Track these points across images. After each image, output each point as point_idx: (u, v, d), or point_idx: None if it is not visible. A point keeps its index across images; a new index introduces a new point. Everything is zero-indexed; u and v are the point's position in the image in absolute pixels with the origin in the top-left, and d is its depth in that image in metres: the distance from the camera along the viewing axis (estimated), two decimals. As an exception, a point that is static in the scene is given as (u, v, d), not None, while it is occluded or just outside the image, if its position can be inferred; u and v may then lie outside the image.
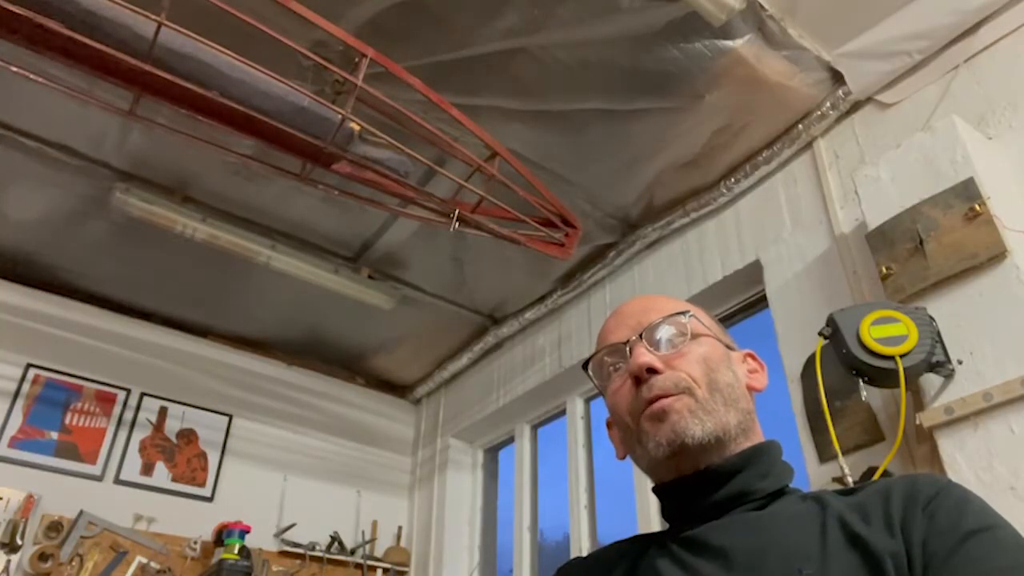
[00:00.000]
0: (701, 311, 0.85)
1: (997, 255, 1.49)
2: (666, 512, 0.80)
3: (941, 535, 0.60)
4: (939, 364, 1.49)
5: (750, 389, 0.81)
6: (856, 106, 2.18)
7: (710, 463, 0.74)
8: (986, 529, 0.60)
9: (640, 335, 0.78)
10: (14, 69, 1.64)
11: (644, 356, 0.76)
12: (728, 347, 0.83)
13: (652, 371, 0.75)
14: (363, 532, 3.58)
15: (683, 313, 0.80)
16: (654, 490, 0.80)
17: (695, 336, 0.79)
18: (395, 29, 1.99)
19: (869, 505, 0.67)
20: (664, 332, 0.79)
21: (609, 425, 0.86)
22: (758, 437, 0.78)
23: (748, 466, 0.74)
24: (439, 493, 3.61)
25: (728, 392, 0.76)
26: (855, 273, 1.96)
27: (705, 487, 0.74)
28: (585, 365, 0.85)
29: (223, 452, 3.37)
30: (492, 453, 3.74)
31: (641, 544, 0.81)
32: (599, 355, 0.83)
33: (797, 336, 2.05)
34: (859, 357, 1.50)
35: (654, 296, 0.87)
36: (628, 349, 0.78)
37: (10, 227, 2.88)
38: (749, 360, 0.85)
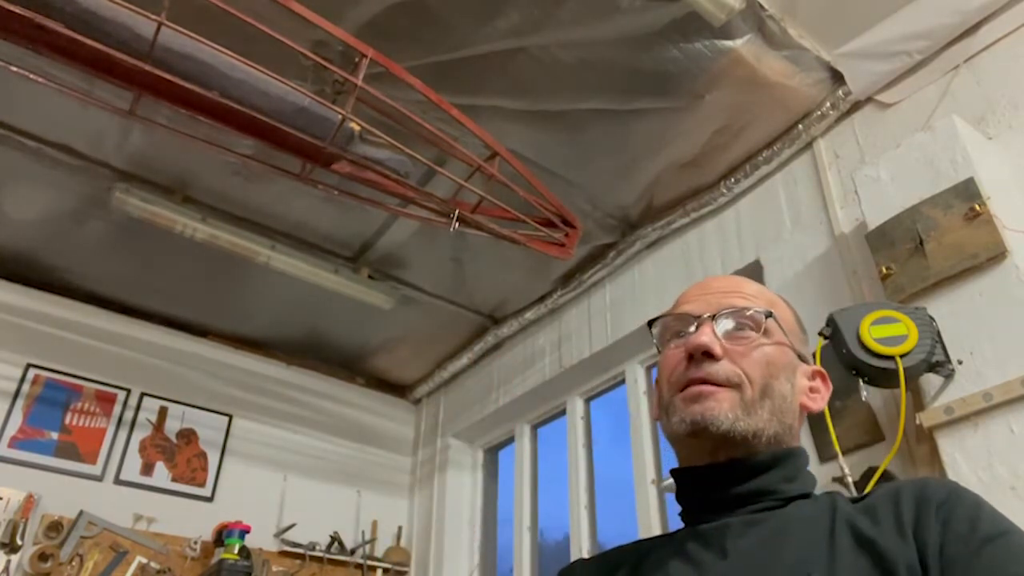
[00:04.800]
0: (788, 310, 0.82)
1: (997, 255, 1.49)
2: (681, 497, 0.79)
3: (958, 541, 0.60)
4: (939, 364, 1.49)
5: (803, 407, 0.78)
6: (856, 106, 2.18)
7: (736, 456, 0.72)
8: (1002, 535, 0.60)
9: (714, 315, 0.76)
10: (14, 69, 1.64)
11: (706, 336, 0.74)
12: (800, 357, 0.80)
13: (708, 355, 0.73)
14: (363, 532, 3.58)
15: (766, 313, 0.76)
16: (673, 472, 0.79)
17: (768, 336, 0.76)
18: (395, 29, 1.99)
19: (878, 507, 0.66)
20: (738, 322, 0.76)
21: (658, 383, 0.82)
22: (791, 445, 0.77)
23: (776, 466, 0.73)
24: (439, 493, 3.60)
25: (779, 402, 0.74)
26: (855, 273, 1.96)
27: (729, 479, 0.73)
28: (651, 323, 0.83)
29: (223, 452, 3.37)
30: (492, 453, 3.74)
31: (649, 543, 0.80)
32: (668, 317, 0.81)
33: (797, 336, 2.04)
34: (859, 357, 1.50)
35: (746, 281, 0.83)
36: (696, 324, 0.76)
37: (10, 227, 2.88)
38: (817, 379, 0.81)
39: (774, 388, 0.74)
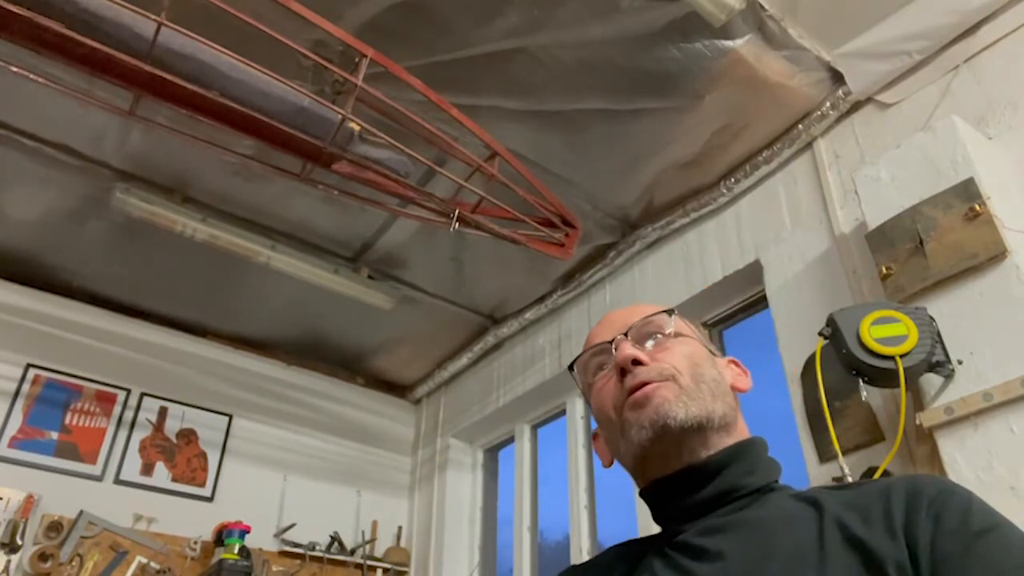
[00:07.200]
0: (685, 322, 0.87)
1: (997, 255, 1.49)
2: (655, 514, 0.80)
3: (950, 536, 0.60)
4: (939, 364, 1.49)
5: (734, 389, 0.82)
6: (856, 106, 2.18)
7: (694, 459, 0.73)
8: (993, 529, 0.60)
9: (625, 333, 0.81)
10: (14, 69, 1.65)
11: (629, 349, 0.77)
12: (712, 352, 0.84)
13: (637, 362, 0.77)
14: (363, 532, 3.58)
15: (667, 311, 0.83)
16: (641, 494, 0.80)
17: (679, 335, 0.82)
18: (395, 29, 1.99)
19: (869, 505, 0.66)
20: (648, 329, 0.82)
21: (595, 436, 0.86)
22: (743, 435, 0.78)
23: (733, 462, 0.74)
24: (439, 493, 3.61)
25: (713, 386, 0.77)
26: (855, 273, 1.96)
27: (690, 484, 0.74)
28: (571, 366, 0.87)
29: (223, 452, 3.37)
30: (492, 453, 3.74)
31: (638, 547, 0.80)
32: (585, 356, 0.85)
33: (797, 336, 2.05)
34: (859, 357, 1.50)
35: (640, 304, 0.89)
36: (613, 347, 0.80)
37: (10, 227, 2.88)
38: (732, 366, 0.86)
39: (704, 374, 0.77)
